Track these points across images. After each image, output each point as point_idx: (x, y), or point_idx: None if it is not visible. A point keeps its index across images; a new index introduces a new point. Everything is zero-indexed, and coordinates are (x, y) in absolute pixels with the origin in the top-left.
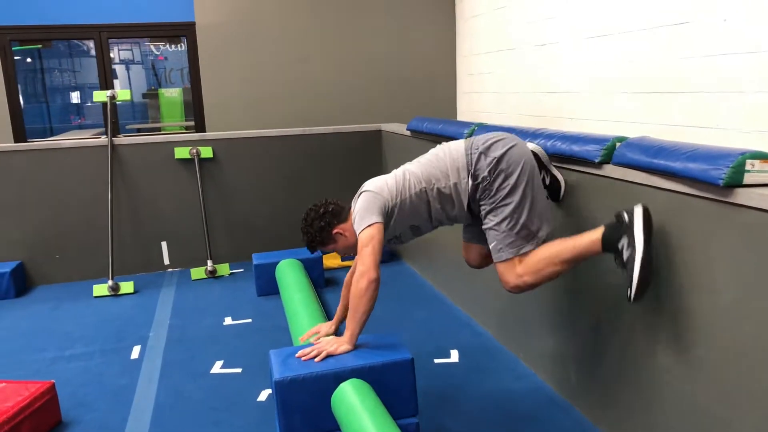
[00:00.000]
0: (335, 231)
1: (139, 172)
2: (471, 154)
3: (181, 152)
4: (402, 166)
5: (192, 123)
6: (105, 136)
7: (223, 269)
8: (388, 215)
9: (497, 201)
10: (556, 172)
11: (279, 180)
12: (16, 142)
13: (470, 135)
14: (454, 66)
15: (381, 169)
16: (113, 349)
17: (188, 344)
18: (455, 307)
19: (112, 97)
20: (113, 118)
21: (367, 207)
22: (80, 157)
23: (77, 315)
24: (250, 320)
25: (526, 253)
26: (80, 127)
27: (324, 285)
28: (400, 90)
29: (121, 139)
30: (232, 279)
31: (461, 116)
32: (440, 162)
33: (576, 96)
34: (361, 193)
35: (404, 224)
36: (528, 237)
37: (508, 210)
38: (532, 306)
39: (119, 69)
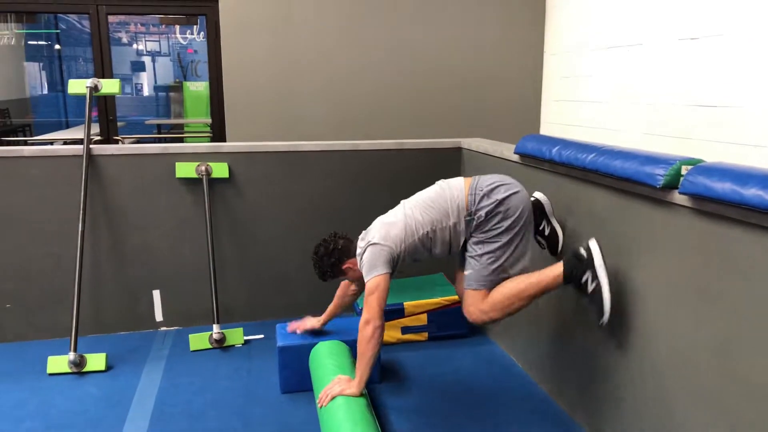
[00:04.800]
0: (345, 266)
1: (126, 195)
2: (475, 195)
3: (185, 169)
4: (404, 206)
5: None
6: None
7: (235, 336)
8: (395, 261)
9: (487, 237)
10: (556, 224)
11: (319, 211)
12: None
13: (672, 181)
14: (540, 65)
15: None
16: None
17: None
18: None
19: (94, 88)
20: (110, 116)
21: (374, 260)
22: (45, 170)
23: (12, 413)
24: None
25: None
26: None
27: (380, 379)
28: (466, 94)
29: (103, 149)
30: (247, 353)
31: (546, 129)
32: (442, 201)
33: (746, 111)
34: (368, 244)
35: (407, 260)
36: (501, 274)
37: (493, 247)
38: None
39: (147, 60)
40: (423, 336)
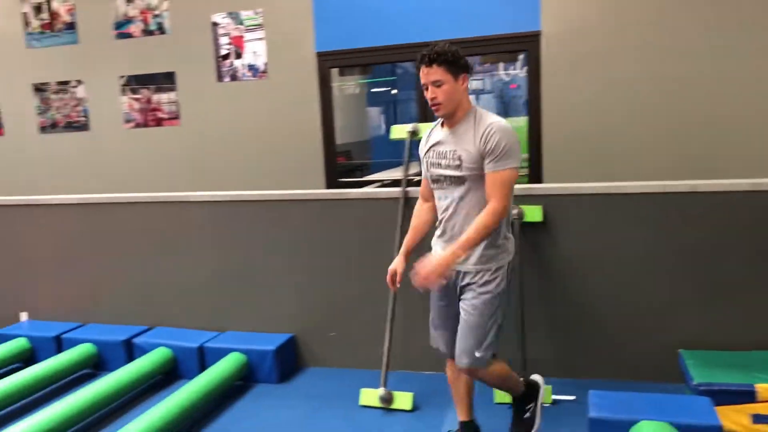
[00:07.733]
0: (464, 76)
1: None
2: None
3: None
4: None
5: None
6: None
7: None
8: None
9: None
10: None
11: (652, 263)
12: (328, 186)
13: None
14: None
15: None
16: None
17: None
18: None
19: (414, 133)
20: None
21: (517, 148)
22: (367, 210)
23: None
24: None
25: None
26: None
27: None
28: None
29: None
30: (556, 416)
31: None
32: None
33: None
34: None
35: None
36: None
37: None
38: None
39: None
40: None
